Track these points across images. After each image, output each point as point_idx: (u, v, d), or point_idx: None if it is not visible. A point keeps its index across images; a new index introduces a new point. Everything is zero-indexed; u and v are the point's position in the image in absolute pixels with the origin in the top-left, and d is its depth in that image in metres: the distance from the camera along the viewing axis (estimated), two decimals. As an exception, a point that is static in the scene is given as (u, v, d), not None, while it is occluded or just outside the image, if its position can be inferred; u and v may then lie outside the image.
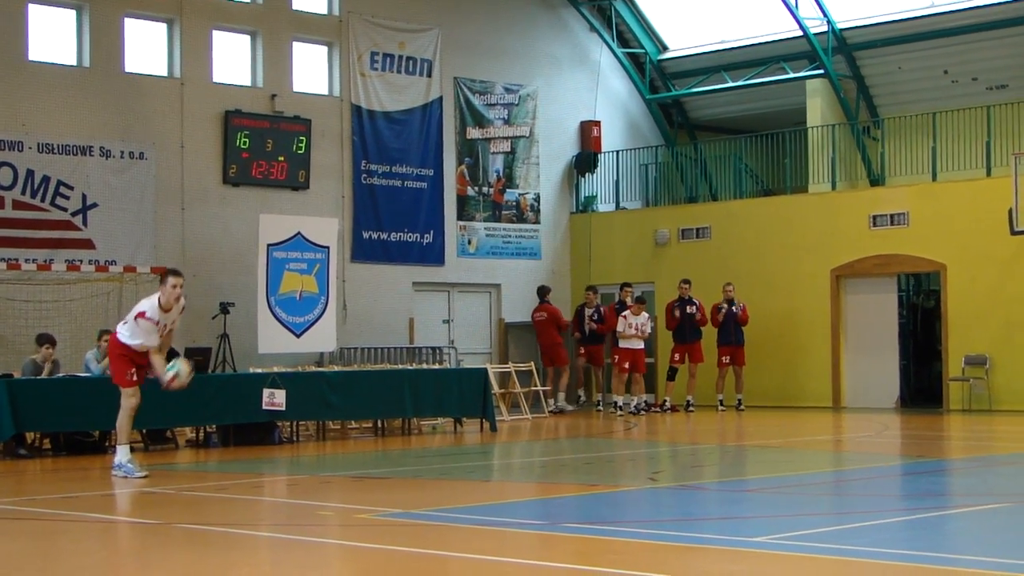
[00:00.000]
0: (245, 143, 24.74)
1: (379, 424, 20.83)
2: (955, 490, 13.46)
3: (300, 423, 19.78)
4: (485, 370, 21.84)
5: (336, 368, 22.23)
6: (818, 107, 29.16)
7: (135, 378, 14.10)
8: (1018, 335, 24.41)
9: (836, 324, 26.53)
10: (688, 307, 25.81)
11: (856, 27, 28.71)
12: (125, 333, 14.13)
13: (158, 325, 13.94)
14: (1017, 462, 15.72)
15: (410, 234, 27.19)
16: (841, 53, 28.91)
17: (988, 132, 25.71)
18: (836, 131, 28.44)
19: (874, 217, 26.17)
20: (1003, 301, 24.61)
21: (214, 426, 18.52)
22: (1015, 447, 17.83)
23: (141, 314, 13.94)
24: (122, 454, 14.07)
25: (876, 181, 28.18)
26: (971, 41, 27.53)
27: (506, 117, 29.01)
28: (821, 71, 28.86)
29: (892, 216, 26.00)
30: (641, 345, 25.20)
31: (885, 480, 14.03)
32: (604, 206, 30.35)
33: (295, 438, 19.48)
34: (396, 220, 26.99)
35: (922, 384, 27.14)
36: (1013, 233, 23.17)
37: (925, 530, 10.02)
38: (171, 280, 14.10)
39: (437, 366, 24.01)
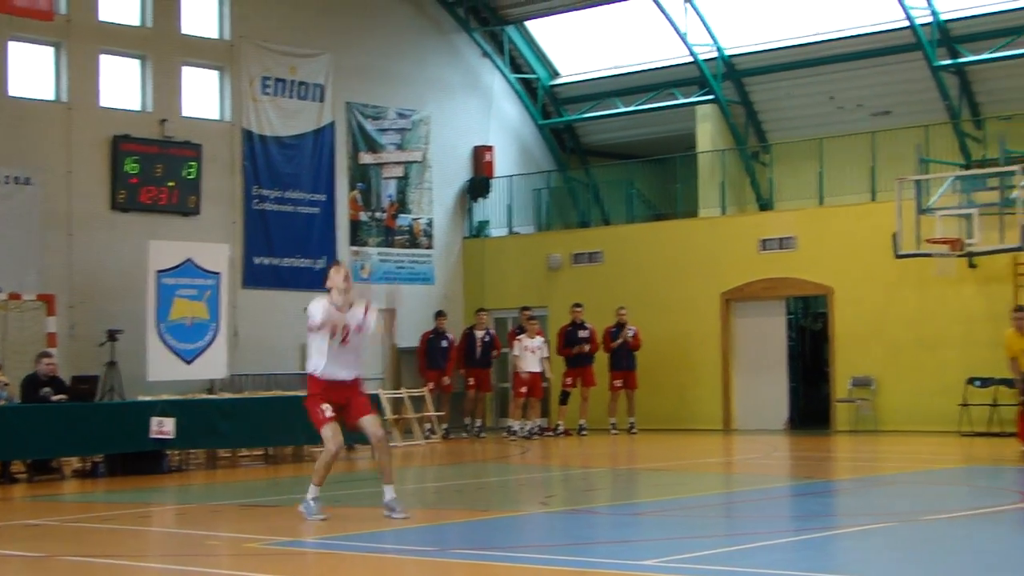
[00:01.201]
0: (134, 168, 24.43)
1: (270, 452, 20.64)
2: (843, 510, 13.64)
3: (189, 451, 19.55)
4: (376, 396, 21.74)
5: (227, 395, 22.01)
6: (708, 132, 29.51)
7: (329, 414, 12.12)
8: (903, 357, 24.81)
9: (726, 347, 26.80)
10: (580, 331, 25.91)
11: (745, 53, 29.13)
12: (311, 366, 12.33)
13: (335, 313, 12.16)
14: (902, 482, 15.97)
15: (302, 260, 27.02)
16: (730, 79, 29.30)
17: (873, 157, 26.15)
18: (725, 156, 28.79)
19: (763, 241, 26.49)
20: (888, 323, 25.01)
21: (101, 455, 18.22)
22: (900, 467, 18.11)
23: (310, 326, 12.17)
24: (311, 492, 12.25)
25: (765, 205, 28.57)
26: (855, 68, 28.05)
27: (399, 142, 28.98)
28: (711, 97, 29.22)
29: (780, 240, 26.35)
30: (539, 369, 25.28)
31: (775, 501, 14.19)
32: (497, 231, 30.41)
33: (184, 467, 19.25)
34: (288, 246, 26.82)
35: (810, 406, 27.46)
36: (897, 256, 23.59)
37: (814, 550, 10.14)
38: (331, 271, 12.43)
39: (330, 392, 23.81)
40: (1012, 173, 23.27)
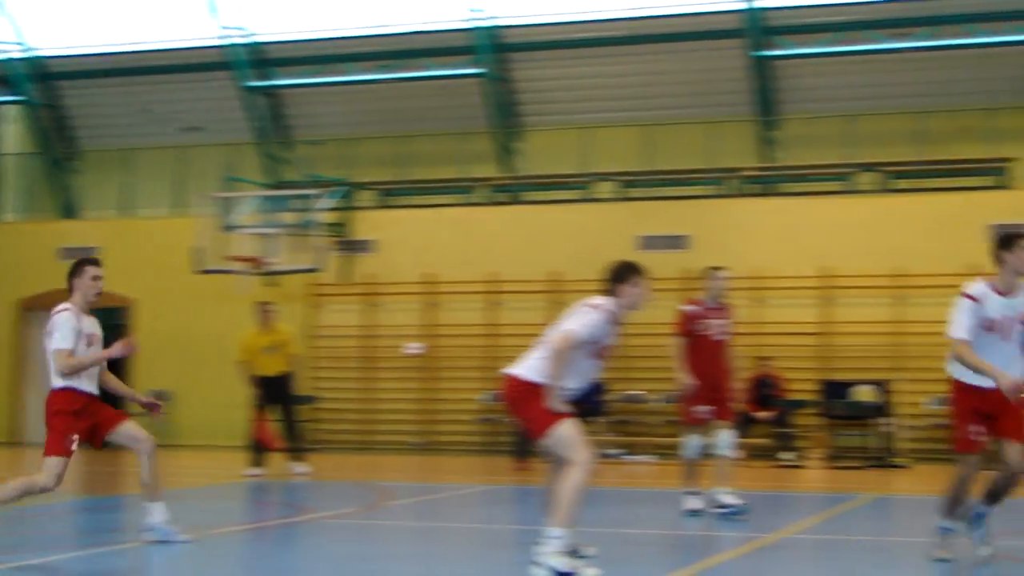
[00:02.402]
0: None
1: None
2: (120, 526, 13.43)
3: None
4: None
5: None
6: (13, 134, 28.43)
7: (74, 446, 10.00)
8: (203, 370, 24.98)
9: (20, 357, 25.86)
10: None
11: (58, 56, 28.41)
12: (57, 377, 10.08)
13: (82, 336, 10.09)
14: (188, 496, 15.97)
15: None
16: (41, 81, 28.36)
17: (183, 172, 26.20)
18: (31, 160, 27.82)
19: (64, 249, 25.80)
20: (190, 337, 25.10)
21: None
22: (190, 482, 18.13)
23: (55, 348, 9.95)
24: None
25: (70, 213, 27.86)
26: (170, 82, 28.06)
27: None
28: (19, 98, 28.15)
29: (82, 248, 25.75)
30: None
31: (55, 518, 13.74)
32: None
33: None
34: None
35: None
36: (200, 272, 23.72)
37: (84, 568, 9.89)
38: (92, 270, 10.18)
39: None
40: (314, 196, 24.09)
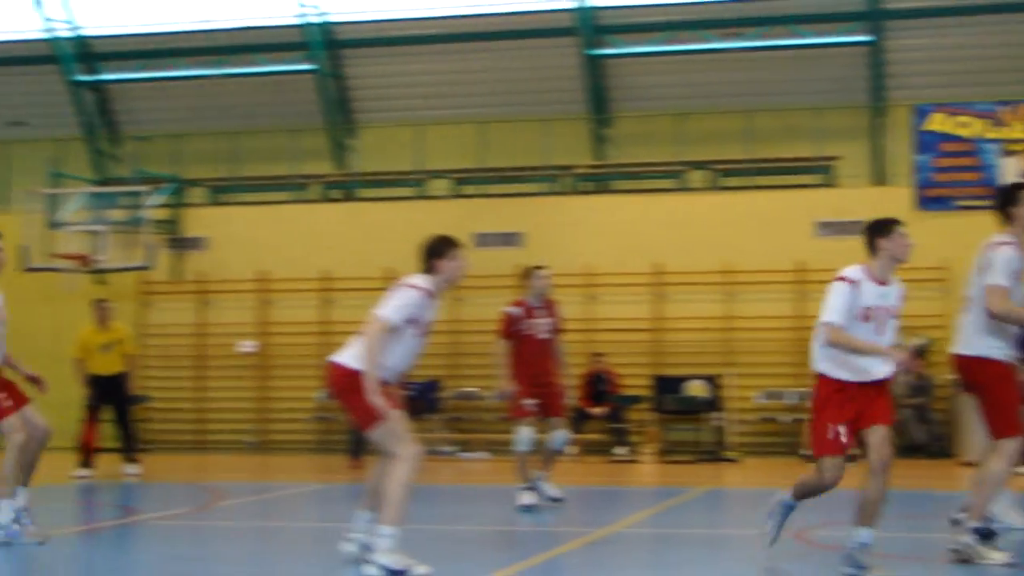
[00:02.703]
0: None
1: None
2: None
3: None
4: None
5: None
6: None
7: (11, 402, 10.69)
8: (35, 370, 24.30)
9: None
10: None
11: None
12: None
13: None
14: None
15: None
16: None
17: (7, 167, 25.56)
18: None
19: None
20: (16, 337, 24.29)
21: None
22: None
23: None
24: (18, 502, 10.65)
25: None
26: (-7, 75, 27.35)
27: None
28: None
29: None
30: None
31: None
32: None
33: None
34: None
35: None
36: (26, 270, 23.13)
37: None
38: None
39: None
40: (143, 193, 23.66)
